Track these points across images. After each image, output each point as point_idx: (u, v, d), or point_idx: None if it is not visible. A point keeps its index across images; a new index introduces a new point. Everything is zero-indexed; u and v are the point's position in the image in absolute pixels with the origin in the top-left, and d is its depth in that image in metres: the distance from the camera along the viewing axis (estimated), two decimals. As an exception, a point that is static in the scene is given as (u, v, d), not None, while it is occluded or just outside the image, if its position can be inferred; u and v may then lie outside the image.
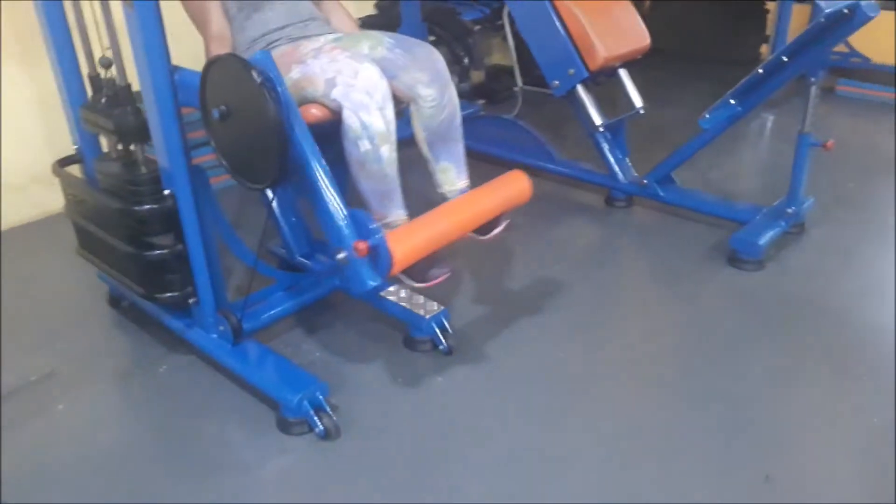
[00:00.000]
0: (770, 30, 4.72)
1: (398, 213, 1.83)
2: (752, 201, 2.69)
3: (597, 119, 2.72)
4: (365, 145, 1.70)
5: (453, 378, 1.95)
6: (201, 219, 1.80)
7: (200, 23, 1.93)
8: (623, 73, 2.82)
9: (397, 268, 1.66)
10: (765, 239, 2.39)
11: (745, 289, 2.31)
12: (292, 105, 1.59)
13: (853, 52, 4.38)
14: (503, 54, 4.39)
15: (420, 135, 1.91)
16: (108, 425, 1.85)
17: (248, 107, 1.56)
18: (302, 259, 2.26)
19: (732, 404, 1.82)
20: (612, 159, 2.84)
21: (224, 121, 1.60)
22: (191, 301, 1.91)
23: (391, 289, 2.14)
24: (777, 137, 3.71)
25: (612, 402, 1.87)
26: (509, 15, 3.89)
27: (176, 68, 1.66)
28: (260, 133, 1.56)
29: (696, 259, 2.50)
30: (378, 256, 1.63)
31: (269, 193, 2.24)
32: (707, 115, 2.36)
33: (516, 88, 3.53)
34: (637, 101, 2.80)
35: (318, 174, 1.62)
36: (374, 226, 1.63)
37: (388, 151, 1.74)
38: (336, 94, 1.69)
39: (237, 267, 2.34)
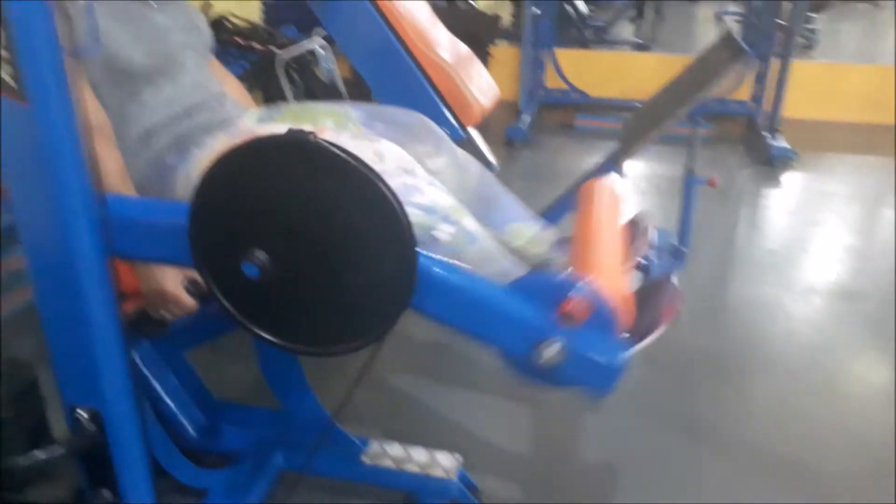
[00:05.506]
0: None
1: None
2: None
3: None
4: (446, 230, 1.14)
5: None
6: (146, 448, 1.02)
7: None
8: (472, 130, 2.53)
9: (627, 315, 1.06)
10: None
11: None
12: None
13: (573, 89, 4.75)
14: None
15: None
16: None
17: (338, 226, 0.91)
18: (196, 437, 1.53)
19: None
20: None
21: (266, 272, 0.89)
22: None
23: (372, 448, 1.53)
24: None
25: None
26: (284, 66, 3.33)
27: (105, 194, 0.90)
28: (371, 262, 0.92)
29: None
30: (597, 314, 0.99)
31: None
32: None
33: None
34: (492, 158, 2.53)
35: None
36: (566, 274, 1.08)
37: (474, 223, 1.21)
38: None
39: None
